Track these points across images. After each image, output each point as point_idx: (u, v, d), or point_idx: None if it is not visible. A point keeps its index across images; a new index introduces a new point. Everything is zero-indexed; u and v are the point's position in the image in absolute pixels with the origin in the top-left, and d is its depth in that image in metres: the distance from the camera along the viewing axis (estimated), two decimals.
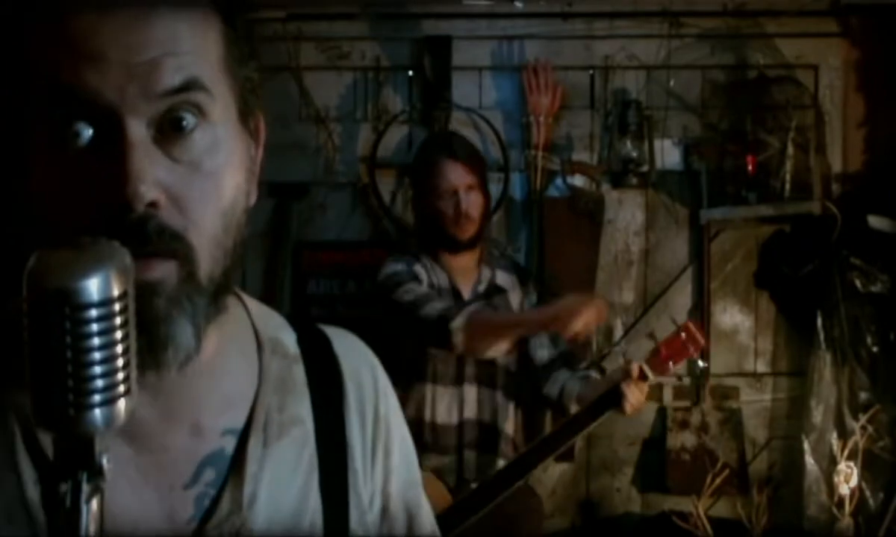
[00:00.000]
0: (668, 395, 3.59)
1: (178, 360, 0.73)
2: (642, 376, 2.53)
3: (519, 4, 3.56)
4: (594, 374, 2.79)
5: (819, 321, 3.33)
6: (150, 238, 0.69)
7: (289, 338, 0.90)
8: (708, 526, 2.99)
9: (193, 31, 0.73)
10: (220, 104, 0.75)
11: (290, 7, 3.54)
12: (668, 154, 3.61)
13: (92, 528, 0.58)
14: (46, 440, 0.74)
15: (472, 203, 2.72)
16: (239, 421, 0.83)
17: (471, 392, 2.72)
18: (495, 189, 3.56)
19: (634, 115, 3.52)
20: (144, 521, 0.77)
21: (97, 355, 0.57)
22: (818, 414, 3.32)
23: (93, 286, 0.57)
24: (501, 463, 2.70)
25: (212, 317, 0.76)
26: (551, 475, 3.55)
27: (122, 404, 0.59)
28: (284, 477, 0.83)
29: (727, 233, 3.63)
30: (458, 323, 2.46)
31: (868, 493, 3.15)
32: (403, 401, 2.75)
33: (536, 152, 3.52)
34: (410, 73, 3.62)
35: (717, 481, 3.08)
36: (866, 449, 3.07)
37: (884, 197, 3.31)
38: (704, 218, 3.55)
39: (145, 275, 0.68)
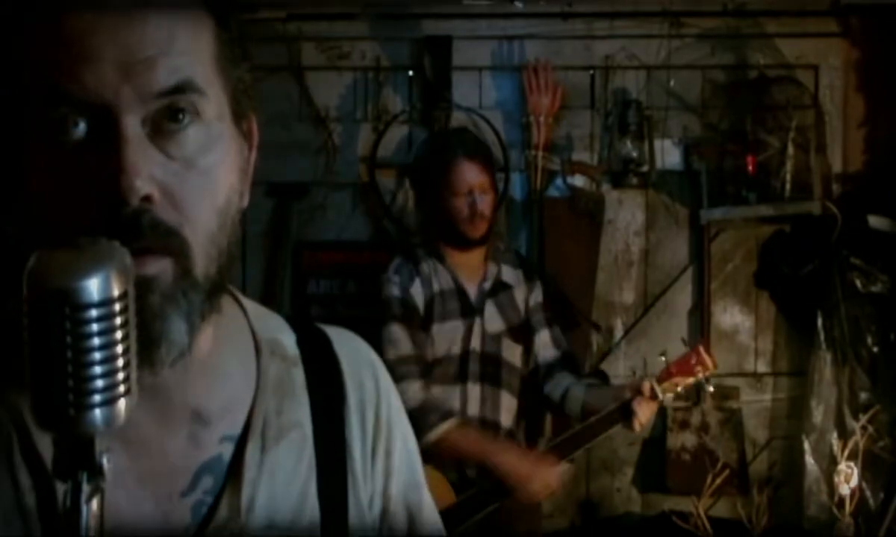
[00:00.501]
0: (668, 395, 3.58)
1: (171, 357, 0.72)
2: (653, 395, 2.54)
3: (519, 4, 3.56)
4: (597, 383, 2.77)
5: (819, 321, 3.33)
6: (144, 232, 0.69)
7: (288, 340, 0.89)
8: (708, 527, 2.99)
9: (187, 32, 0.73)
10: (214, 104, 0.75)
11: (290, 7, 3.54)
12: (669, 154, 3.61)
13: (92, 528, 0.58)
14: (44, 447, 0.73)
15: (486, 202, 2.75)
16: (236, 428, 0.82)
17: (474, 390, 2.73)
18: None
19: (635, 115, 3.52)
20: (142, 529, 0.77)
21: (97, 355, 0.57)
22: (818, 414, 3.32)
23: (93, 286, 0.57)
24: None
25: (207, 316, 0.76)
26: None
27: (122, 404, 0.59)
28: (282, 481, 0.82)
29: (727, 233, 3.63)
30: (429, 438, 2.47)
31: (868, 493, 3.15)
32: None
33: (537, 152, 3.52)
34: (411, 73, 3.62)
35: (718, 481, 3.08)
36: (866, 449, 3.07)
37: (884, 197, 3.31)
38: (705, 218, 3.55)
39: (140, 270, 0.68)
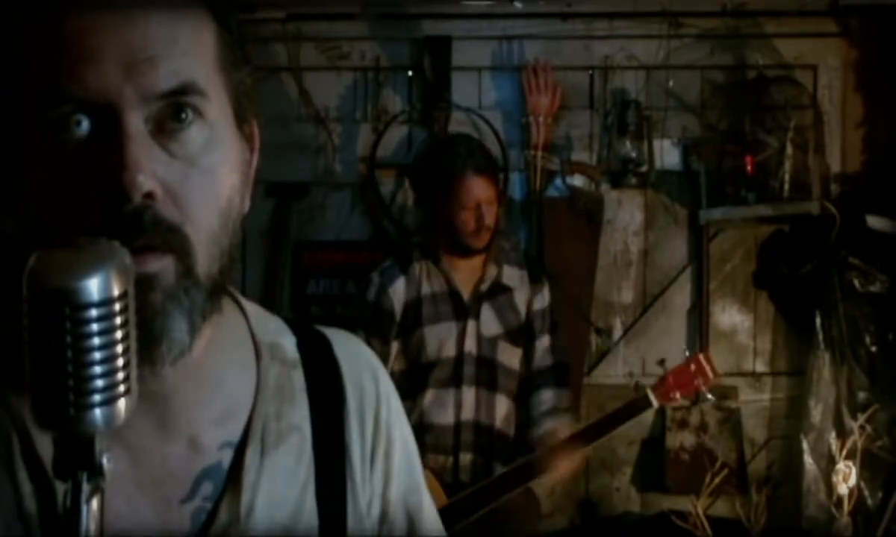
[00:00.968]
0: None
1: (172, 356, 0.72)
2: (579, 442, 2.54)
3: (518, 5, 3.57)
4: (560, 424, 2.71)
5: (818, 321, 3.34)
6: (146, 229, 0.69)
7: (288, 343, 0.89)
8: (707, 526, 2.99)
9: (189, 32, 0.74)
10: (216, 105, 0.75)
11: (289, 7, 3.54)
12: (668, 154, 3.61)
13: (92, 528, 0.58)
14: (45, 451, 0.73)
15: (492, 214, 2.72)
16: (236, 433, 0.82)
17: (469, 393, 2.71)
18: None
19: (634, 115, 3.52)
20: (143, 536, 0.77)
21: (97, 355, 0.57)
22: (817, 413, 3.33)
23: (93, 286, 0.57)
24: (497, 465, 2.70)
25: (208, 316, 0.76)
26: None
27: (122, 404, 0.59)
28: (281, 485, 0.82)
29: (726, 233, 3.63)
30: None
31: (867, 493, 3.15)
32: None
33: (536, 152, 3.52)
34: (410, 73, 3.62)
35: (716, 480, 3.08)
36: (865, 448, 3.07)
37: (882, 197, 3.32)
38: (703, 218, 3.55)
39: (142, 268, 0.68)
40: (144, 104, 0.70)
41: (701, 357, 2.67)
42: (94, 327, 0.57)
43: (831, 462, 3.17)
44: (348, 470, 0.87)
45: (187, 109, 0.72)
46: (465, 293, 2.76)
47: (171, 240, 0.71)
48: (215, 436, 0.81)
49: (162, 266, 0.71)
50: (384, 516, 0.91)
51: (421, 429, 2.65)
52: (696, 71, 3.61)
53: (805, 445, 3.33)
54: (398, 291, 2.72)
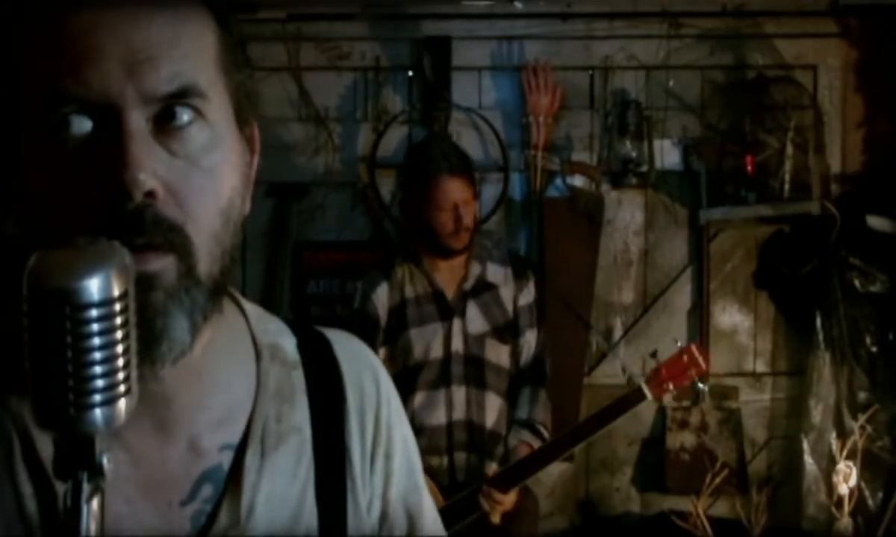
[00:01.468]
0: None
1: (172, 355, 0.72)
2: (500, 486, 2.53)
3: (518, 5, 3.57)
4: (528, 440, 2.70)
5: (818, 321, 3.34)
6: (146, 228, 0.69)
7: (289, 344, 0.89)
8: (707, 526, 2.99)
9: (190, 33, 0.74)
10: (217, 106, 0.75)
11: (290, 7, 3.54)
12: (668, 154, 3.61)
13: (93, 528, 0.58)
14: (45, 453, 0.73)
15: (470, 214, 2.72)
16: (236, 436, 0.82)
17: (459, 392, 2.71)
18: (495, 189, 3.57)
19: (634, 115, 3.52)
20: None
21: (97, 355, 0.57)
22: (817, 413, 3.33)
23: (93, 286, 0.57)
24: (492, 463, 2.70)
25: (209, 316, 0.76)
26: (550, 474, 3.55)
27: (122, 404, 0.59)
28: (281, 486, 0.82)
29: (726, 233, 3.63)
30: None
31: (867, 493, 3.15)
32: None
33: (536, 152, 3.52)
34: (410, 73, 3.62)
35: (717, 481, 3.08)
36: (865, 448, 3.07)
37: (882, 197, 3.32)
38: (704, 218, 3.55)
39: (143, 266, 0.68)
40: (145, 104, 0.70)
41: (693, 347, 2.68)
42: (95, 327, 0.57)
43: (832, 462, 3.17)
44: (348, 471, 0.87)
45: (188, 110, 0.72)
46: (449, 293, 2.75)
47: (173, 239, 0.71)
48: (215, 439, 0.81)
49: (163, 265, 0.71)
50: (384, 516, 0.91)
51: (413, 432, 2.64)
52: (696, 71, 3.61)
53: (805, 445, 3.33)
54: (381, 297, 2.73)
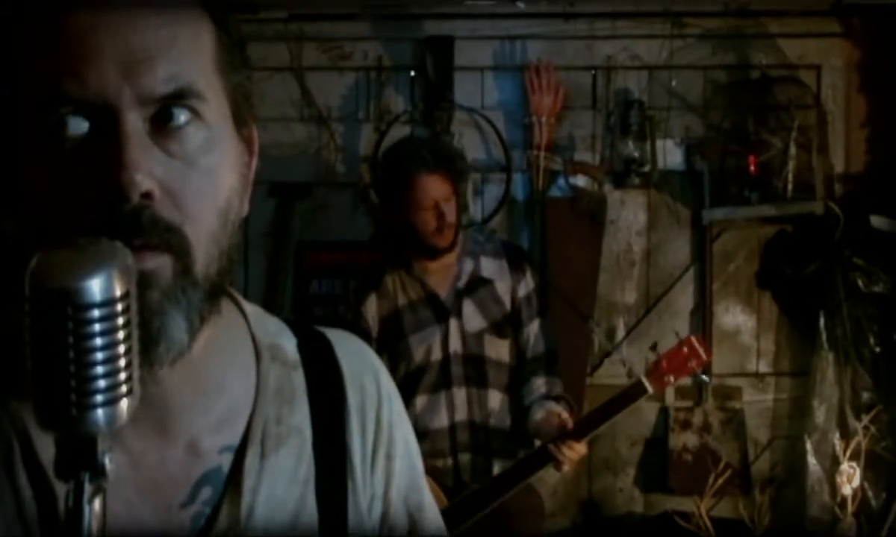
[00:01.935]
0: (670, 395, 3.59)
1: (170, 356, 0.72)
2: (574, 435, 2.51)
3: (521, 5, 3.56)
4: (557, 409, 2.64)
5: (821, 321, 3.34)
6: (143, 228, 0.69)
7: (289, 344, 0.88)
8: (710, 527, 2.99)
9: (188, 34, 0.74)
10: (214, 106, 0.75)
11: (292, 7, 3.54)
12: (671, 154, 3.61)
13: (94, 528, 0.58)
14: (46, 456, 0.73)
15: (452, 210, 2.66)
16: (236, 437, 0.82)
17: (460, 393, 2.68)
18: (497, 189, 3.56)
19: (636, 115, 3.52)
20: None
21: (99, 355, 0.57)
22: (820, 414, 3.32)
23: (95, 286, 0.57)
24: (496, 461, 2.69)
25: (207, 317, 0.75)
26: (553, 474, 3.54)
27: (124, 404, 0.59)
28: (282, 488, 0.82)
29: (729, 233, 3.63)
30: None
31: (870, 493, 3.15)
32: None
33: (539, 152, 3.52)
34: (412, 73, 3.62)
35: (720, 481, 3.08)
36: (869, 449, 3.07)
37: (886, 197, 3.32)
38: (707, 218, 3.55)
39: (139, 265, 0.67)
40: (142, 105, 0.70)
41: (693, 339, 2.66)
42: (97, 327, 0.57)
43: (835, 462, 3.17)
44: (349, 472, 0.87)
45: (185, 111, 0.72)
46: (443, 293, 2.71)
47: (170, 239, 0.71)
48: (215, 440, 0.80)
49: (159, 264, 0.71)
50: (385, 517, 0.90)
51: (416, 436, 2.62)
52: (699, 71, 3.60)
53: (809, 446, 3.32)
54: (370, 309, 2.70)
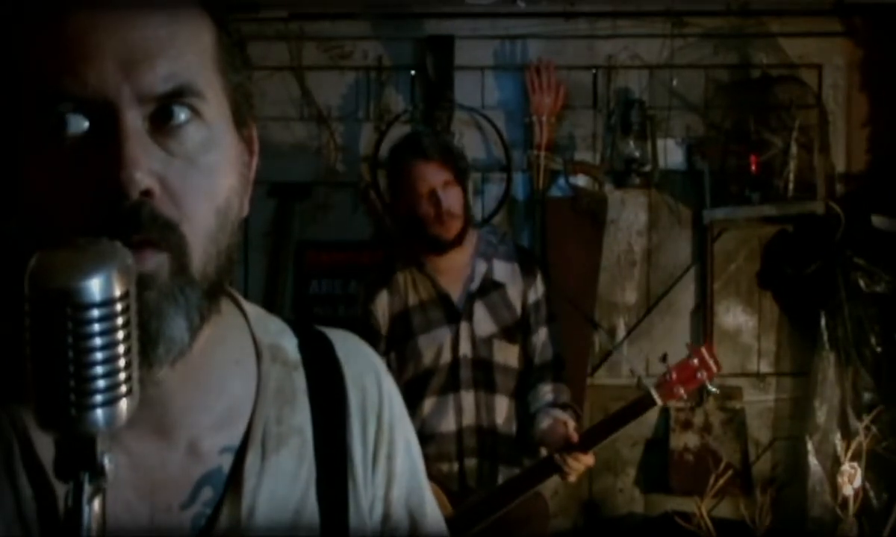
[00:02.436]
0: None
1: (170, 356, 0.72)
2: (580, 447, 2.49)
3: (521, 4, 3.56)
4: (564, 417, 2.63)
5: (822, 321, 3.33)
6: (143, 224, 0.69)
7: (289, 344, 0.88)
8: (711, 527, 2.99)
9: (188, 33, 0.74)
10: (214, 106, 0.75)
11: (292, 6, 3.54)
12: (671, 154, 3.61)
13: (94, 528, 0.58)
14: (45, 456, 0.73)
15: (452, 199, 2.62)
16: (236, 438, 0.82)
17: (468, 397, 2.65)
18: (498, 189, 3.56)
19: (637, 114, 3.51)
20: None
21: (99, 355, 0.57)
22: (822, 414, 3.32)
23: (95, 286, 0.57)
24: (502, 467, 2.68)
25: (206, 316, 0.75)
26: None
27: (123, 404, 0.59)
28: (282, 489, 0.82)
29: (730, 232, 3.62)
30: None
31: (872, 494, 3.15)
32: None
33: (539, 152, 3.52)
34: (413, 72, 3.62)
35: (721, 481, 3.08)
36: (870, 449, 3.07)
37: (887, 196, 3.31)
38: (707, 218, 3.54)
39: (138, 267, 0.67)
40: (142, 104, 0.70)
41: (703, 350, 2.63)
42: (96, 327, 0.57)
43: (836, 463, 3.17)
44: (350, 473, 0.87)
45: (185, 110, 0.72)
46: (455, 295, 2.68)
47: (168, 237, 0.71)
48: (215, 441, 0.80)
49: (157, 263, 0.71)
50: (386, 518, 0.90)
51: (423, 439, 2.59)
52: (699, 70, 3.60)
53: (810, 446, 3.32)
54: (381, 306, 2.67)
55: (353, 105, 3.64)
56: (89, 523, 0.58)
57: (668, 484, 3.55)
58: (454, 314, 2.67)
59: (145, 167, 0.69)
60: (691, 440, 3.55)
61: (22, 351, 0.58)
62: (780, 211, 3.36)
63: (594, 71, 3.62)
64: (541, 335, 2.73)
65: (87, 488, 0.58)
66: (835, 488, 3.16)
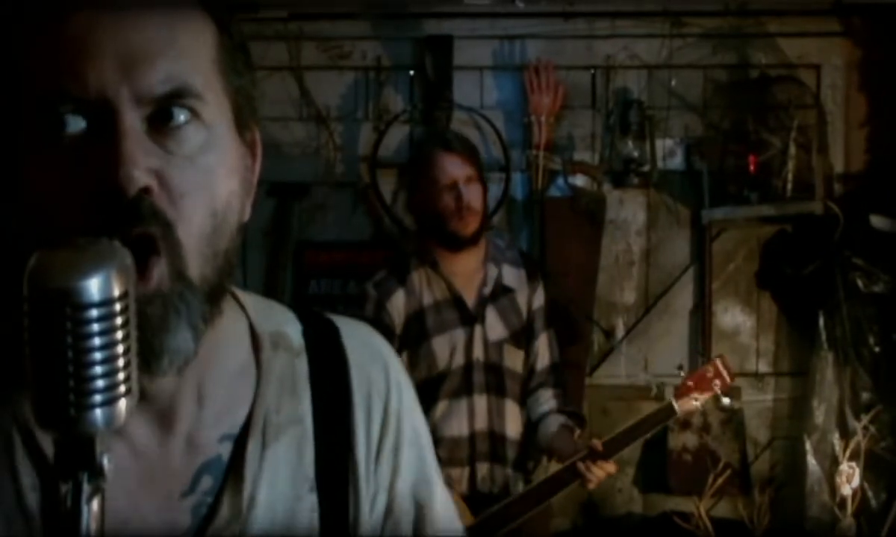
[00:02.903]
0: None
1: (174, 366, 0.73)
2: (604, 455, 2.51)
3: (520, 4, 3.56)
4: (570, 424, 2.66)
5: (821, 321, 3.33)
6: (143, 217, 0.69)
7: (294, 331, 0.88)
8: (709, 527, 2.99)
9: (188, 34, 0.74)
10: (214, 107, 0.75)
11: (291, 6, 3.54)
12: (670, 154, 3.61)
13: (93, 528, 0.58)
14: (46, 445, 0.74)
15: (473, 194, 2.63)
16: (236, 426, 0.82)
17: (481, 401, 2.64)
18: (496, 189, 3.56)
19: (636, 114, 3.52)
20: (142, 531, 0.77)
21: (98, 355, 0.57)
22: (820, 414, 3.32)
23: (93, 286, 0.57)
24: (511, 472, 2.67)
25: (209, 319, 0.75)
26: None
27: (122, 404, 0.59)
28: (283, 478, 0.82)
29: (729, 232, 3.62)
30: None
31: (870, 494, 3.15)
32: None
33: (538, 152, 3.52)
34: (412, 72, 3.62)
35: (719, 481, 3.09)
36: (868, 449, 3.07)
37: (886, 196, 3.31)
38: (706, 218, 3.54)
39: (141, 289, 0.68)
40: (140, 104, 0.70)
41: (718, 361, 2.65)
42: (95, 327, 0.57)
43: (835, 463, 3.17)
44: (351, 464, 0.86)
45: (184, 111, 0.72)
46: (469, 298, 2.67)
47: (166, 234, 0.71)
48: (214, 431, 0.81)
49: (158, 275, 0.71)
50: (390, 510, 0.89)
51: (434, 443, 2.60)
52: (698, 70, 3.60)
53: (808, 446, 3.32)
54: (397, 305, 2.64)
55: (352, 105, 3.64)
56: (88, 523, 0.58)
57: (666, 484, 3.54)
58: (468, 317, 2.66)
59: (143, 165, 0.69)
60: (690, 440, 3.55)
61: (22, 346, 0.58)
62: (779, 211, 3.36)
63: (593, 71, 3.62)
64: (542, 340, 2.75)
65: (86, 488, 0.58)
66: (833, 488, 3.16)
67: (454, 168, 2.63)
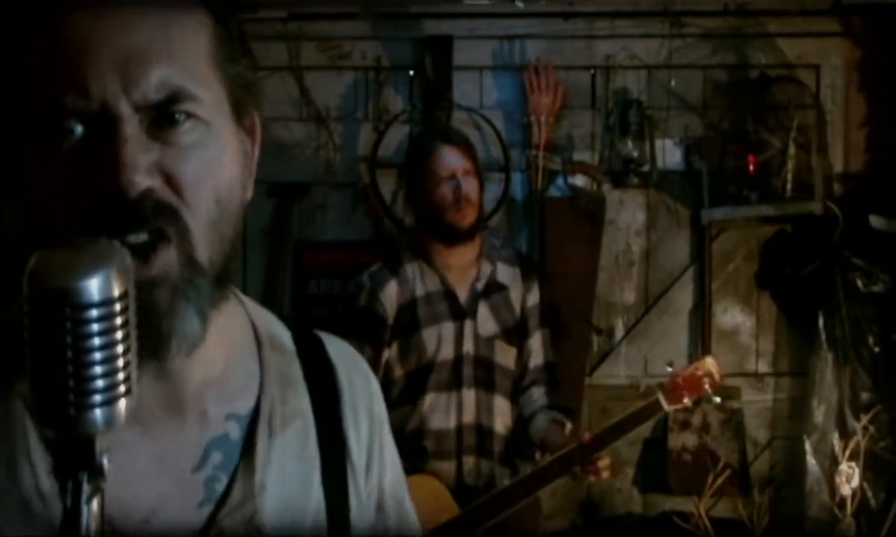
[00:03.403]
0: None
1: (182, 350, 0.74)
2: (592, 447, 2.49)
3: (520, 4, 3.56)
4: (560, 418, 2.65)
5: (820, 321, 3.33)
6: (147, 216, 0.70)
7: (285, 336, 0.92)
8: (709, 527, 2.99)
9: (184, 34, 0.74)
10: (212, 104, 0.76)
11: (291, 7, 3.54)
12: (670, 154, 3.61)
13: (93, 528, 0.58)
14: None
15: (471, 187, 2.66)
16: (242, 409, 0.84)
17: (469, 395, 2.67)
18: (496, 189, 3.56)
19: (635, 114, 3.52)
20: (158, 506, 0.78)
21: (98, 355, 0.57)
22: (820, 414, 3.32)
23: (93, 286, 0.57)
24: (498, 467, 2.68)
25: (217, 303, 0.77)
26: None
27: (122, 404, 0.59)
28: (289, 467, 0.85)
29: (728, 233, 3.63)
30: None
31: (870, 494, 3.15)
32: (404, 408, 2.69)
33: (537, 152, 3.52)
34: (411, 72, 3.62)
35: (719, 481, 3.08)
36: (868, 449, 3.07)
37: (885, 197, 3.32)
38: (706, 218, 3.54)
39: (145, 273, 0.70)
40: (138, 112, 0.71)
41: (708, 360, 2.66)
42: (95, 327, 0.57)
43: (834, 463, 3.17)
44: (348, 459, 0.90)
45: (182, 114, 0.73)
46: (461, 293, 2.70)
47: (174, 223, 0.72)
48: (221, 409, 0.83)
49: (166, 260, 0.72)
50: (380, 506, 0.94)
51: (421, 435, 2.62)
52: (698, 70, 3.60)
53: (808, 446, 3.32)
54: (390, 295, 2.67)
55: (351, 105, 3.64)
56: (88, 523, 0.58)
57: (666, 484, 3.55)
58: (459, 311, 2.69)
59: (143, 167, 0.70)
60: (689, 440, 3.55)
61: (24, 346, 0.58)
62: (779, 211, 3.36)
63: (592, 71, 3.62)
64: (536, 339, 2.78)
65: (86, 488, 0.58)
66: (833, 488, 3.16)
67: (453, 160, 2.66)
